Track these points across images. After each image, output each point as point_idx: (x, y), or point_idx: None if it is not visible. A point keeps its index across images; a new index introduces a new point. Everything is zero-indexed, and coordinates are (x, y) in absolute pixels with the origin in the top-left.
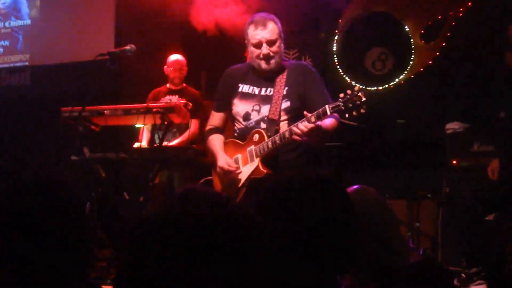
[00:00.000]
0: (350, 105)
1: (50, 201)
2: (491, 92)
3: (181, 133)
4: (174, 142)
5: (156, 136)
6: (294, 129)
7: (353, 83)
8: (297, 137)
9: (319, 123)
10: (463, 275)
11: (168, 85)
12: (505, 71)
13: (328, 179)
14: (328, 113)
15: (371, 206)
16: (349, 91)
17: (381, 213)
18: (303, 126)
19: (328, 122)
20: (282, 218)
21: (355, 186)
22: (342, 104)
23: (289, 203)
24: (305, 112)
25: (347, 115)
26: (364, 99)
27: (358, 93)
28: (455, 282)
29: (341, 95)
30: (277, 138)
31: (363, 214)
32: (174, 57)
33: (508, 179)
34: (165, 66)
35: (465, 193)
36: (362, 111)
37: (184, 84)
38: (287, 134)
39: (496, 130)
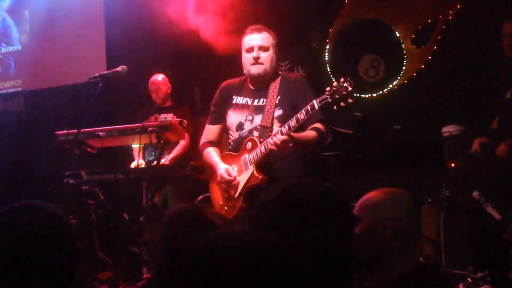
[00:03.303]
0: (337, 96)
1: (36, 228)
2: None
3: (169, 149)
4: (169, 158)
5: (146, 153)
6: (270, 141)
7: None
8: (273, 148)
9: (293, 134)
10: (469, 279)
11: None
12: (504, 62)
13: (329, 189)
14: (316, 107)
15: (405, 211)
16: (334, 83)
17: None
18: (276, 138)
19: (306, 132)
20: (280, 229)
21: (389, 189)
22: (329, 96)
23: (288, 215)
24: (275, 129)
25: (335, 107)
26: (350, 88)
27: (343, 84)
28: (461, 286)
29: (328, 88)
30: (268, 140)
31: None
32: (152, 78)
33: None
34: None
35: (465, 195)
36: (350, 101)
37: (170, 102)
38: (265, 145)
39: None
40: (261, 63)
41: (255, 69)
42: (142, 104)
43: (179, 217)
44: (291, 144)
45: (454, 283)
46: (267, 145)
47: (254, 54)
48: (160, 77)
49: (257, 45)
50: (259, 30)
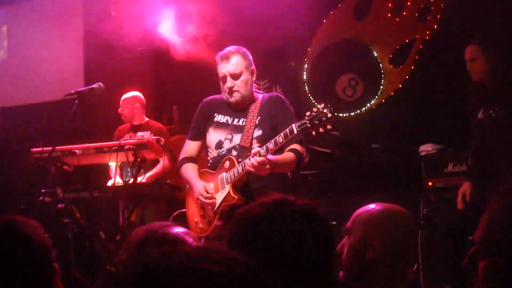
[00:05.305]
0: (316, 122)
1: (13, 247)
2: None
3: (146, 168)
4: (147, 176)
5: (123, 173)
6: (248, 162)
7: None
8: (250, 169)
9: (269, 156)
10: None
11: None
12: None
13: (310, 206)
14: (295, 131)
15: (397, 232)
16: (314, 109)
17: (403, 241)
18: (254, 160)
19: (284, 155)
20: (256, 248)
21: (388, 205)
22: (308, 121)
23: (262, 232)
24: (255, 148)
25: (313, 133)
26: (329, 115)
27: (323, 110)
28: None
29: (307, 113)
30: (246, 161)
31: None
32: (124, 96)
33: (481, 199)
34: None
35: (443, 214)
36: (329, 127)
37: (146, 118)
38: (242, 165)
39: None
40: (236, 91)
41: (232, 99)
42: (119, 123)
43: (146, 239)
44: (268, 166)
45: None
46: (245, 166)
47: (228, 84)
48: (128, 94)
49: (228, 74)
50: (228, 58)
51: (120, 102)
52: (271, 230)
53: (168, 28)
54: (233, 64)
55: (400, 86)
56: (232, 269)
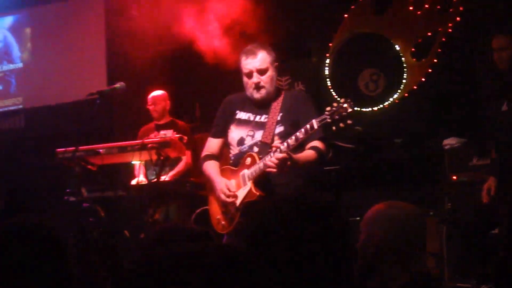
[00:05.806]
0: (337, 117)
1: (29, 245)
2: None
3: (171, 166)
4: (170, 174)
5: (148, 172)
6: (267, 162)
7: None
8: (271, 170)
9: (292, 154)
10: None
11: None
12: (493, 73)
13: (328, 204)
14: (315, 126)
15: (395, 228)
16: (335, 104)
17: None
18: (274, 158)
19: (305, 152)
20: (267, 244)
21: (393, 203)
22: (328, 116)
23: (279, 227)
24: (273, 145)
25: (334, 128)
26: (350, 110)
27: (343, 104)
28: None
29: (328, 108)
30: (267, 158)
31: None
32: (151, 94)
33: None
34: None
35: (467, 207)
36: (349, 122)
37: (170, 118)
38: (264, 162)
39: (492, 144)
40: (263, 87)
41: (258, 95)
42: (142, 122)
43: (165, 236)
44: (289, 163)
45: None
46: (266, 162)
47: (254, 79)
48: (159, 92)
49: (255, 69)
50: (254, 53)
51: (150, 100)
52: (281, 227)
53: (188, 26)
54: (260, 59)
55: (423, 79)
56: (231, 264)
